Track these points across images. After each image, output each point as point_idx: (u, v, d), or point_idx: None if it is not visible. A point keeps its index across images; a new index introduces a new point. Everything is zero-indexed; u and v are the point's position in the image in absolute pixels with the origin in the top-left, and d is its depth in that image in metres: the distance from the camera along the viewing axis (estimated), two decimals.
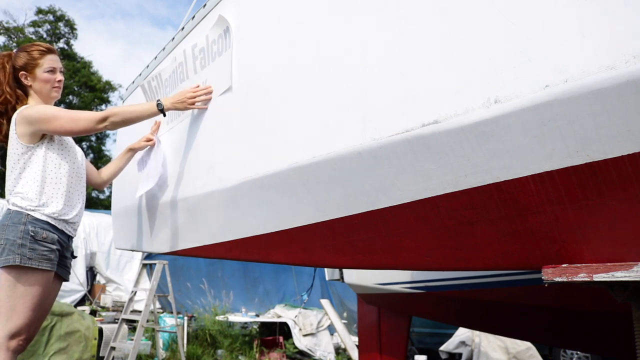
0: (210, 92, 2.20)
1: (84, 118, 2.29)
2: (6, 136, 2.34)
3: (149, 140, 2.66)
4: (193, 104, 2.25)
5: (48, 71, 2.37)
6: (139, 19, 50.86)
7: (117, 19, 47.49)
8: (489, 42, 1.20)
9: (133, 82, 3.24)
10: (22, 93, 2.36)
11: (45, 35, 22.28)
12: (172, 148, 2.51)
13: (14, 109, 2.31)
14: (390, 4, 1.42)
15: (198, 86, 2.29)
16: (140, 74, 3.11)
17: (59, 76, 2.42)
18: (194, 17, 2.47)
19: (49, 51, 2.41)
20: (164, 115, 2.37)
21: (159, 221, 2.66)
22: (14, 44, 20.20)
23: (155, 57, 2.88)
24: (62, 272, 2.32)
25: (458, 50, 1.26)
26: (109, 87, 23.46)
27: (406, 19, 1.38)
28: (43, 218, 2.19)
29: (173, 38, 2.68)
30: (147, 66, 2.98)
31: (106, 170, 2.73)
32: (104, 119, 2.28)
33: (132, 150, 2.71)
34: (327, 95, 1.62)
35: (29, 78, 2.36)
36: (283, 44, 1.85)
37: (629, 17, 1.00)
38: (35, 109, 2.26)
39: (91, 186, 2.71)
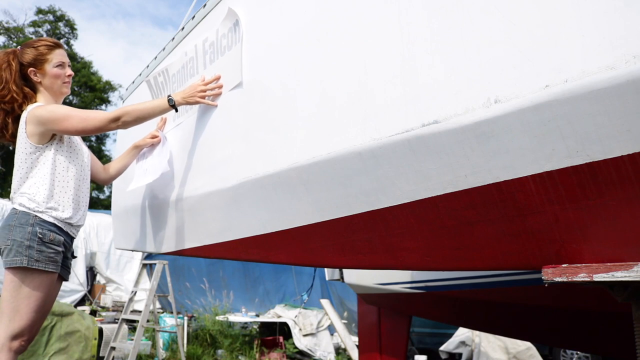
0: (221, 86, 2.15)
1: (95, 118, 2.26)
2: (13, 136, 2.30)
3: (155, 137, 2.62)
4: (204, 97, 2.20)
5: (57, 66, 2.33)
6: (139, 19, 50.95)
7: (118, 19, 47.60)
8: (489, 41, 1.20)
9: (133, 82, 3.24)
10: (30, 90, 2.31)
11: (45, 36, 22.29)
12: (176, 146, 2.49)
13: (21, 108, 2.27)
14: (391, 4, 1.42)
15: (204, 78, 2.24)
16: (140, 74, 3.11)
17: (68, 71, 2.38)
18: (194, 17, 2.47)
19: (57, 46, 2.37)
20: (176, 110, 2.34)
21: (159, 221, 2.66)
22: (14, 44, 20.21)
23: (155, 57, 2.87)
24: (63, 273, 2.32)
25: (458, 50, 1.26)
26: (109, 87, 23.47)
27: (406, 19, 1.38)
28: (50, 220, 2.18)
29: (173, 38, 2.68)
30: (147, 66, 2.98)
31: (112, 167, 2.69)
32: (117, 119, 2.25)
33: (138, 148, 2.68)
34: (327, 95, 1.62)
35: (38, 74, 2.32)
36: (283, 44, 1.85)
37: (629, 17, 1.00)
38: (47, 109, 2.23)
39: (96, 182, 2.68)
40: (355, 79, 1.51)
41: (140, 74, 3.11)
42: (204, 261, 9.35)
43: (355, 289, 4.33)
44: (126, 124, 2.29)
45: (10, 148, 19.85)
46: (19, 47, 2.40)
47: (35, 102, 2.30)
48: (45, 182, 2.20)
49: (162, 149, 2.54)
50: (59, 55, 2.35)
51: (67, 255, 2.32)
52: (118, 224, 3.34)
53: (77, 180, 2.30)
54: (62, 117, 2.21)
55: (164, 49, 2.78)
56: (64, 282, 2.42)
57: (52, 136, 2.26)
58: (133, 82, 3.24)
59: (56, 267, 2.18)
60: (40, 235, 2.14)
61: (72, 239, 2.32)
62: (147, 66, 2.98)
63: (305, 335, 7.74)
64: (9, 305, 2.11)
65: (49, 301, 2.28)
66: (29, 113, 2.23)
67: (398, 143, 1.38)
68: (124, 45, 49.14)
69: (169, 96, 2.28)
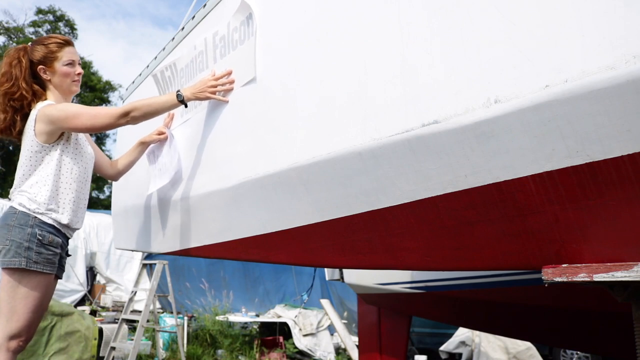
0: (233, 81, 2.10)
1: (104, 114, 2.25)
2: (20, 133, 2.29)
3: (161, 133, 2.58)
4: (214, 93, 2.14)
5: (67, 64, 2.31)
6: (140, 19, 51.02)
7: (118, 19, 47.68)
8: (489, 41, 1.20)
9: (133, 82, 3.24)
10: (39, 88, 2.30)
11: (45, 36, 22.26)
12: (183, 143, 2.46)
13: (30, 106, 2.26)
14: (391, 4, 1.42)
15: (214, 73, 2.18)
16: (140, 74, 3.11)
17: (78, 69, 2.35)
18: (194, 17, 2.46)
19: (67, 43, 2.34)
20: (186, 106, 2.28)
21: (159, 221, 2.66)
22: (14, 44, 20.21)
23: (155, 57, 2.87)
24: (58, 272, 2.32)
25: (458, 50, 1.26)
26: (109, 87, 23.47)
27: (406, 19, 1.38)
28: (50, 222, 2.17)
29: (173, 38, 2.68)
30: (147, 66, 2.99)
31: (119, 163, 2.67)
32: (125, 114, 2.21)
33: (144, 144, 2.65)
34: (327, 95, 1.62)
35: (47, 72, 2.30)
36: (283, 44, 1.85)
37: (629, 17, 1.00)
38: (57, 107, 2.22)
39: (104, 177, 2.66)
40: (355, 79, 1.51)
41: (140, 74, 3.11)
42: (204, 261, 9.35)
43: (355, 289, 4.33)
44: (135, 120, 2.25)
45: (11, 148, 19.85)
46: (30, 43, 2.39)
47: (45, 99, 2.29)
48: (48, 182, 2.20)
49: (170, 147, 2.50)
50: (69, 53, 2.33)
51: (63, 255, 2.32)
52: (118, 224, 3.34)
53: (79, 183, 2.30)
54: (72, 115, 2.19)
55: (164, 48, 2.78)
56: (64, 282, 2.43)
57: (59, 136, 2.25)
58: (133, 82, 3.24)
59: (53, 268, 2.18)
60: (40, 237, 2.13)
61: (68, 239, 2.32)
62: (147, 66, 2.99)
63: (305, 335, 7.74)
64: (6, 305, 2.11)
65: (46, 301, 2.28)
66: (39, 111, 2.22)
67: (398, 143, 1.38)
68: (124, 45, 49.22)
69: (178, 91, 2.22)
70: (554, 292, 2.62)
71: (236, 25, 2.09)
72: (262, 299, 9.86)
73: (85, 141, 2.40)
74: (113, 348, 5.34)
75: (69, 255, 2.44)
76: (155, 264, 5.77)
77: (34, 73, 2.30)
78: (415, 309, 4.08)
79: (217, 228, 2.25)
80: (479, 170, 1.28)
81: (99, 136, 22.99)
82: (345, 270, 4.20)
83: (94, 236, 10.30)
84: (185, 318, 7.56)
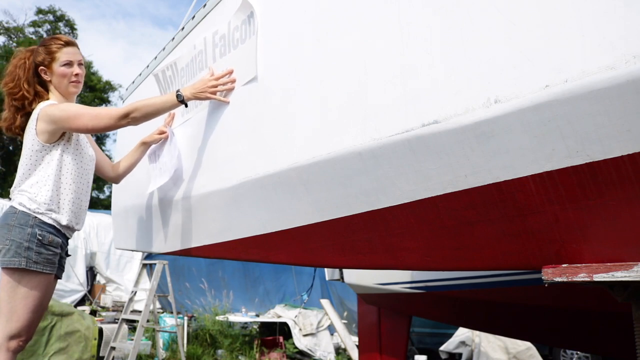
0: (234, 81, 2.09)
1: (106, 115, 2.25)
2: (22, 128, 2.30)
3: (162, 132, 2.58)
4: (214, 93, 2.13)
5: (64, 65, 2.32)
6: (140, 19, 51.03)
7: (118, 19, 47.69)
8: (489, 41, 1.20)
9: (133, 82, 3.24)
10: (42, 89, 2.32)
11: (45, 36, 22.29)
12: (184, 143, 2.45)
13: (31, 106, 2.28)
14: (391, 4, 1.42)
15: (212, 72, 2.17)
16: (140, 74, 3.11)
17: (76, 69, 2.35)
18: (194, 17, 2.46)
19: (67, 44, 2.35)
20: (186, 105, 2.27)
21: (159, 221, 2.66)
22: (14, 44, 20.21)
23: (155, 57, 2.87)
24: (58, 272, 2.32)
25: (458, 50, 1.26)
26: (109, 87, 23.46)
27: (406, 19, 1.38)
28: (50, 222, 2.18)
29: (173, 38, 2.68)
30: (147, 66, 2.98)
31: (121, 165, 2.67)
32: (126, 115, 2.21)
33: (145, 144, 2.64)
34: (327, 95, 1.62)
35: (47, 73, 2.32)
36: (282, 44, 1.85)
37: (629, 17, 1.00)
38: (59, 107, 2.24)
39: (106, 179, 2.66)
40: (355, 79, 1.51)
41: (140, 74, 3.11)
42: (204, 261, 9.35)
43: (355, 289, 4.33)
44: (136, 120, 2.25)
45: (11, 148, 19.84)
46: (37, 46, 2.41)
47: (48, 100, 2.31)
48: (49, 182, 2.20)
49: (171, 145, 2.50)
50: (67, 54, 2.34)
51: (62, 255, 2.32)
52: (118, 224, 3.34)
53: (80, 184, 2.30)
54: (74, 115, 2.20)
55: (164, 48, 2.78)
56: (64, 282, 2.43)
57: (60, 136, 2.25)
58: (133, 82, 3.24)
59: (53, 268, 2.18)
60: (40, 237, 2.13)
61: (67, 239, 2.32)
62: (147, 66, 2.98)
63: (305, 335, 7.74)
64: (6, 305, 2.11)
65: (46, 301, 2.28)
66: (42, 110, 2.23)
67: (398, 143, 1.38)
68: (124, 45, 49.25)
69: (178, 91, 2.21)
70: (554, 292, 2.62)
71: (237, 24, 2.09)
72: (262, 299, 9.86)
73: (87, 142, 2.40)
74: (113, 348, 5.34)
75: (68, 255, 2.44)
76: (155, 264, 5.77)
77: (37, 74, 2.33)
78: (415, 309, 4.08)
79: (217, 228, 2.25)
80: (479, 170, 1.28)
81: (99, 136, 22.98)
82: (345, 270, 4.20)
83: (94, 236, 10.30)
84: (185, 318, 7.56)
